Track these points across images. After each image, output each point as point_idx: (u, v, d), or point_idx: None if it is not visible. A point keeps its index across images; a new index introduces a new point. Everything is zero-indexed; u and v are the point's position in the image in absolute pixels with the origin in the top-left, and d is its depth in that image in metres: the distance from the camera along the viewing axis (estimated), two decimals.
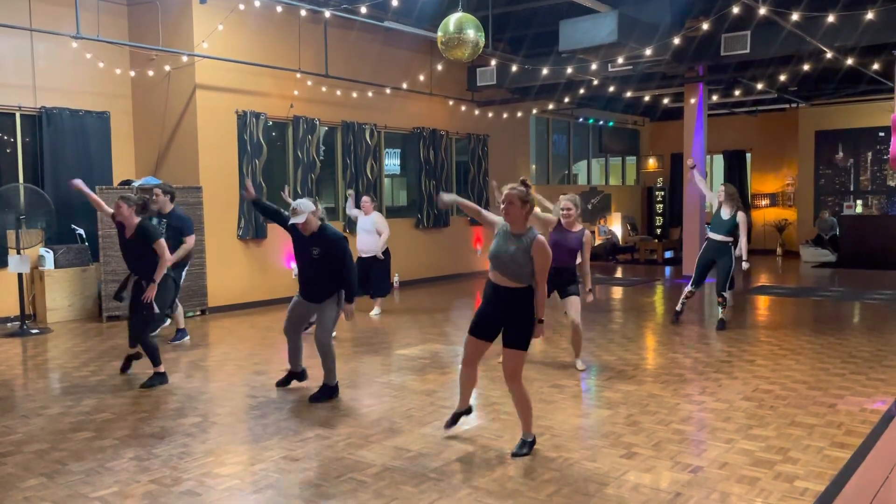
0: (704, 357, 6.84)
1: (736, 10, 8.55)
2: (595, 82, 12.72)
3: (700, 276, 8.30)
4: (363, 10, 9.10)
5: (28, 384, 6.18)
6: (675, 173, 18.61)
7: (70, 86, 9.64)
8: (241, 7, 9.76)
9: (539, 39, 12.11)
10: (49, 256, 9.13)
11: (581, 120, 17.38)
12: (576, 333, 6.40)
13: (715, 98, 15.29)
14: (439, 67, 12.15)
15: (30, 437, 4.70)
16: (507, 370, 4.25)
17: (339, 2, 9.70)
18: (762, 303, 10.28)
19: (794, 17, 8.69)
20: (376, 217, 9.23)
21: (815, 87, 14.49)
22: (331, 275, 5.43)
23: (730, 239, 8.05)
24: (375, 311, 9.51)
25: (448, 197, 4.58)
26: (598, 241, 16.87)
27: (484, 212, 4.50)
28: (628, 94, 14.26)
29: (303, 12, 9.80)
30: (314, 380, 5.86)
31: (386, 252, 9.27)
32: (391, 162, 13.12)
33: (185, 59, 9.61)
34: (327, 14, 9.59)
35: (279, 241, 10.58)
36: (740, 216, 7.97)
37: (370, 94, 11.80)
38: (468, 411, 4.67)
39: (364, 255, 9.12)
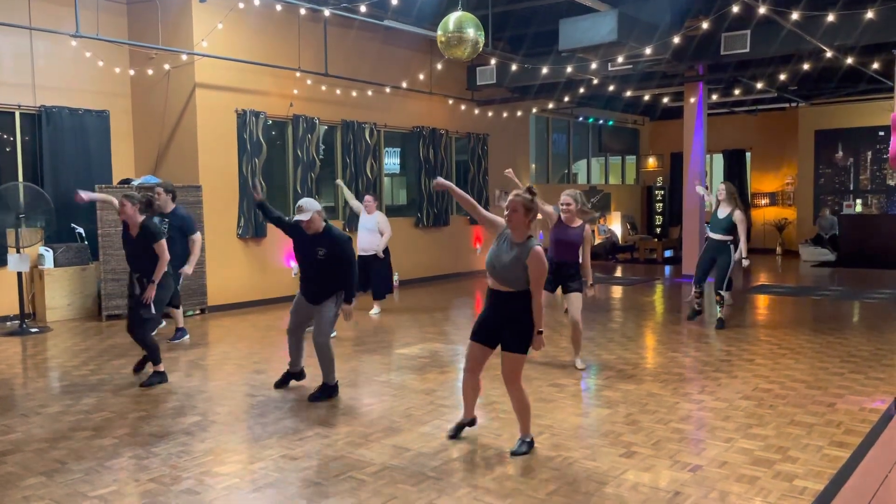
0: (704, 356, 6.84)
1: (736, 9, 8.55)
2: (595, 81, 12.72)
3: (702, 275, 8.29)
4: (363, 8, 9.10)
5: (27, 383, 6.18)
6: (675, 172, 18.61)
7: (69, 84, 9.64)
8: (241, 5, 9.76)
9: (539, 38, 12.10)
10: (49, 255, 9.13)
11: (581, 119, 17.38)
12: (575, 331, 6.39)
13: (715, 97, 15.29)
14: (439, 66, 12.15)
15: (29, 436, 4.70)
16: (506, 373, 4.26)
17: (338, 0, 9.69)
18: (762, 302, 10.28)
19: (794, 16, 8.69)
20: (379, 216, 9.23)
21: (814, 86, 14.49)
22: (332, 275, 5.41)
23: (729, 238, 8.05)
24: (375, 311, 9.51)
25: (445, 181, 4.52)
26: (598, 240, 16.87)
27: (480, 208, 4.45)
28: (628, 93, 14.25)
29: (302, 11, 9.80)
30: (313, 379, 5.86)
31: (386, 251, 9.28)
32: (391, 161, 13.11)
33: (184, 57, 9.61)
34: (327, 13, 9.58)
35: (279, 240, 10.57)
36: (737, 215, 7.97)
37: (370, 92, 11.79)
38: (472, 422, 4.62)
39: (364, 254, 9.11)
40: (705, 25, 9.20)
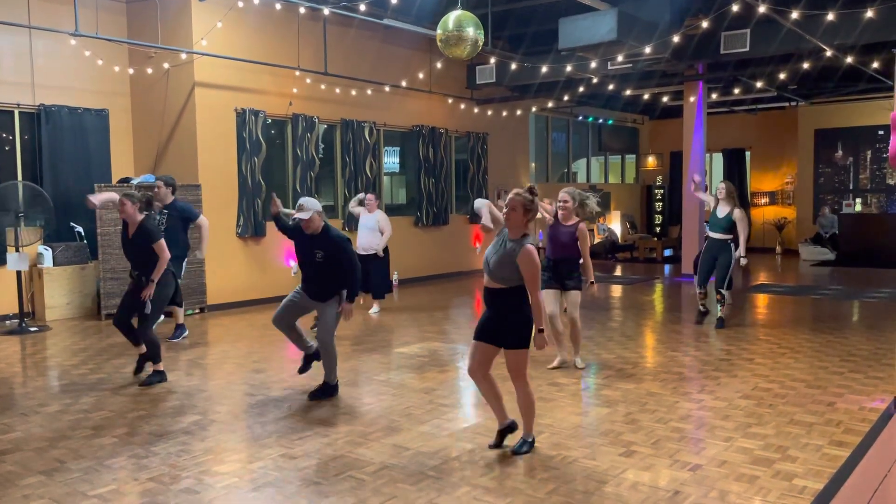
0: (703, 355, 6.84)
1: (735, 8, 8.54)
2: (594, 80, 12.72)
3: (705, 276, 8.26)
4: (362, 7, 9.09)
5: (27, 382, 6.17)
6: (675, 172, 18.61)
7: (69, 83, 9.63)
8: (241, 4, 9.75)
9: (538, 37, 12.09)
10: (48, 254, 9.12)
11: (580, 118, 17.38)
12: (574, 330, 6.38)
13: (714, 96, 15.28)
14: (439, 65, 12.14)
15: (28, 435, 4.70)
16: (510, 370, 4.25)
17: None
18: (761, 301, 10.28)
19: (794, 15, 8.68)
20: (380, 215, 9.23)
21: (814, 85, 14.48)
22: (332, 276, 5.40)
23: (729, 236, 8.05)
24: (374, 310, 9.51)
25: (480, 203, 4.48)
26: (597, 239, 16.88)
27: (497, 212, 4.42)
28: (628, 92, 14.25)
29: (302, 10, 9.79)
30: (313, 377, 5.86)
31: (385, 250, 9.28)
32: (390, 160, 13.11)
33: (183, 56, 9.60)
34: (326, 12, 9.57)
35: (278, 239, 10.57)
36: (737, 213, 7.97)
37: (369, 91, 11.79)
38: (511, 427, 4.41)
39: (364, 253, 9.11)
40: (705, 24, 9.20)
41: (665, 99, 16.09)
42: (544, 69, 11.45)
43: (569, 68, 11.33)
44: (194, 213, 7.76)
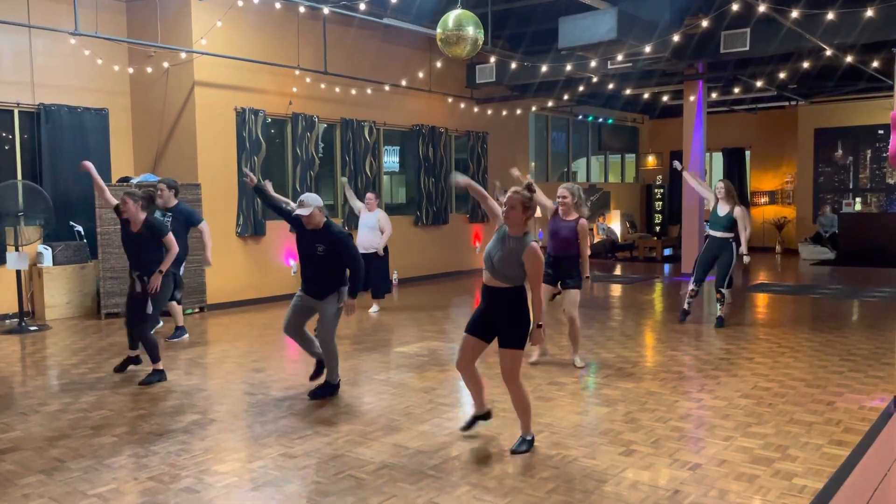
0: (703, 355, 6.84)
1: (735, 7, 8.54)
2: (594, 79, 12.72)
3: (702, 274, 8.26)
4: (362, 6, 9.08)
5: (26, 381, 6.17)
6: (674, 171, 18.56)
7: (68, 82, 9.63)
8: (240, 3, 9.75)
9: (538, 36, 12.09)
10: (47, 253, 9.12)
11: (580, 117, 17.37)
12: (573, 328, 6.37)
13: (714, 95, 15.28)
14: (438, 64, 12.14)
15: (28, 434, 4.70)
16: (504, 370, 4.25)
17: None
18: (761, 300, 10.28)
19: (794, 14, 8.68)
20: (380, 214, 9.23)
21: (814, 84, 14.48)
22: (331, 272, 5.40)
23: (730, 234, 8.04)
24: (374, 309, 9.51)
25: (462, 179, 4.49)
26: (597, 239, 16.87)
27: (491, 200, 4.40)
28: (627, 91, 14.25)
29: (301, 9, 9.79)
30: (310, 386, 5.86)
31: (385, 249, 9.28)
32: (390, 159, 13.10)
33: (183, 55, 9.59)
34: (326, 11, 9.57)
35: (278, 239, 10.57)
36: (738, 211, 7.96)
37: (369, 91, 11.78)
38: (486, 416, 4.61)
39: (364, 252, 9.11)
40: (705, 23, 9.20)
41: (665, 98, 16.09)
42: (544, 68, 11.45)
43: (569, 67, 11.33)
44: (196, 217, 7.78)
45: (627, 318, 9.01)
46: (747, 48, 10.47)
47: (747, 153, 18.86)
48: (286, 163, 10.94)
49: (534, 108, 15.54)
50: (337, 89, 11.28)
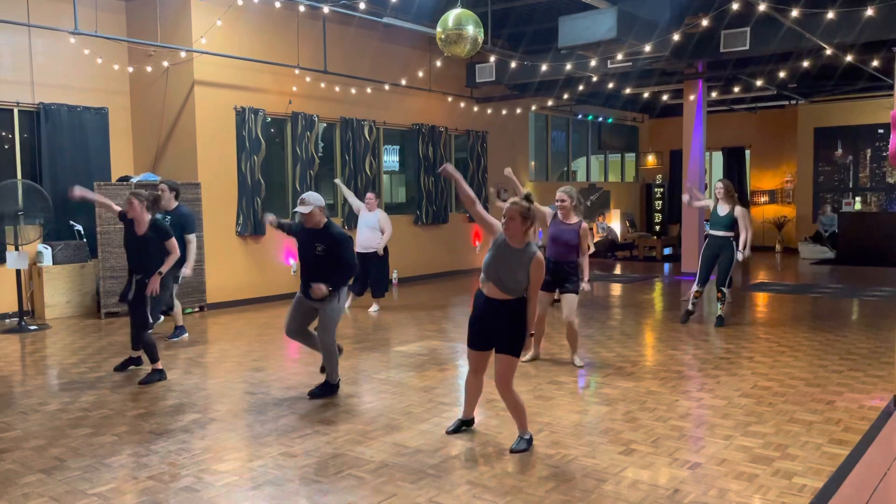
0: (703, 354, 6.84)
1: (735, 6, 8.54)
2: (594, 79, 12.71)
3: (705, 275, 8.23)
4: (362, 5, 9.08)
5: (26, 380, 6.17)
6: (674, 170, 18.61)
7: (68, 82, 9.62)
8: (240, 3, 9.74)
9: (538, 36, 12.09)
10: (47, 253, 9.12)
11: (580, 116, 17.37)
12: (570, 331, 6.37)
13: (714, 95, 15.28)
14: (438, 64, 12.13)
15: (28, 434, 4.70)
16: (499, 376, 4.26)
17: None
18: (761, 299, 10.28)
19: (794, 13, 8.68)
20: (380, 214, 9.23)
21: (814, 83, 14.49)
22: (330, 273, 5.39)
23: (731, 234, 8.03)
24: (374, 308, 9.51)
25: (452, 169, 4.38)
26: (597, 238, 16.87)
27: (479, 206, 4.27)
28: (627, 90, 14.25)
29: (301, 8, 9.78)
30: (313, 376, 5.86)
31: (385, 249, 9.27)
32: (390, 158, 13.10)
33: (183, 55, 9.59)
34: (326, 10, 9.56)
35: (277, 238, 10.57)
36: (738, 210, 7.96)
37: (369, 90, 11.78)
38: (470, 423, 4.67)
39: (364, 251, 9.11)
40: (705, 23, 9.20)
41: (665, 97, 16.09)
42: (544, 67, 11.44)
43: (568, 67, 11.32)
44: (191, 227, 7.58)
45: (627, 317, 9.01)
46: (747, 47, 10.47)
47: (747, 152, 18.86)
48: (286, 162, 10.94)
49: (533, 108, 15.53)
50: (337, 88, 11.28)
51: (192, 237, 7.55)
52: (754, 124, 18.36)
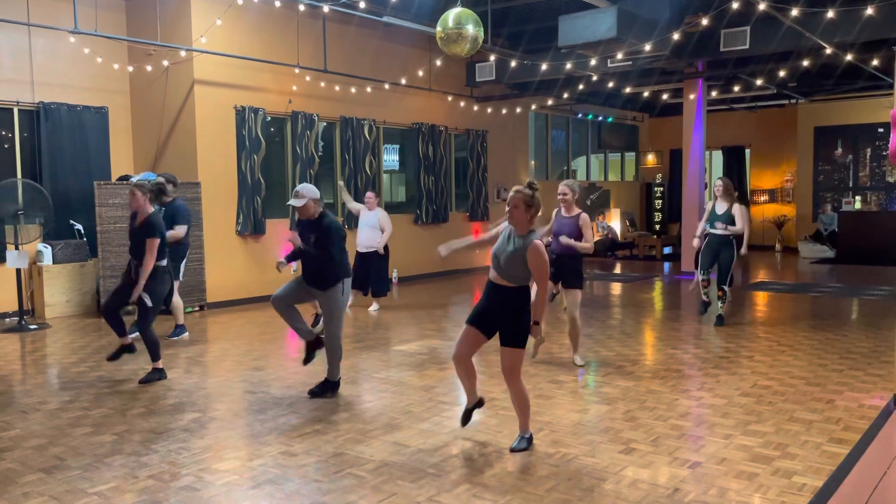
0: (703, 353, 6.84)
1: (735, 5, 8.53)
2: (594, 78, 12.71)
3: (708, 265, 8.14)
4: (362, 4, 9.08)
5: (26, 380, 6.17)
6: (674, 169, 18.61)
7: (68, 81, 9.62)
8: (240, 2, 9.74)
9: (538, 35, 12.08)
10: (47, 252, 9.12)
11: (580, 115, 17.37)
12: (573, 328, 6.36)
13: (714, 94, 15.27)
14: (438, 63, 12.13)
15: (28, 433, 4.70)
16: (505, 368, 4.25)
17: None
18: (761, 298, 10.28)
19: (794, 12, 8.68)
20: (380, 213, 9.23)
21: (814, 82, 14.48)
22: (329, 262, 5.36)
23: (729, 232, 8.00)
24: (374, 307, 9.52)
25: (445, 250, 4.56)
26: (597, 237, 16.87)
27: (485, 237, 4.41)
28: (627, 89, 14.24)
29: (301, 7, 9.78)
30: (315, 375, 5.86)
31: (385, 248, 9.27)
32: (390, 158, 13.10)
33: (183, 54, 9.59)
34: (326, 9, 9.56)
35: (278, 237, 10.57)
36: (737, 208, 7.94)
37: (369, 89, 11.78)
38: (479, 404, 4.60)
39: (365, 251, 9.12)
40: (705, 22, 9.19)
41: (665, 96, 16.09)
42: (544, 67, 11.44)
43: (568, 66, 11.32)
44: (183, 219, 7.49)
45: (627, 316, 9.01)
46: (747, 46, 10.46)
47: (747, 151, 18.86)
48: (286, 161, 10.94)
49: (533, 107, 15.53)
50: (337, 87, 11.28)
51: (181, 228, 7.43)
52: (754, 123, 18.36)
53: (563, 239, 6.17)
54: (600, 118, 18.04)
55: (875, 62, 11.12)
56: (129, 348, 6.14)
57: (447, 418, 4.90)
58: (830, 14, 8.84)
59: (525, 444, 4.29)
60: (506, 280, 4.17)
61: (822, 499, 3.58)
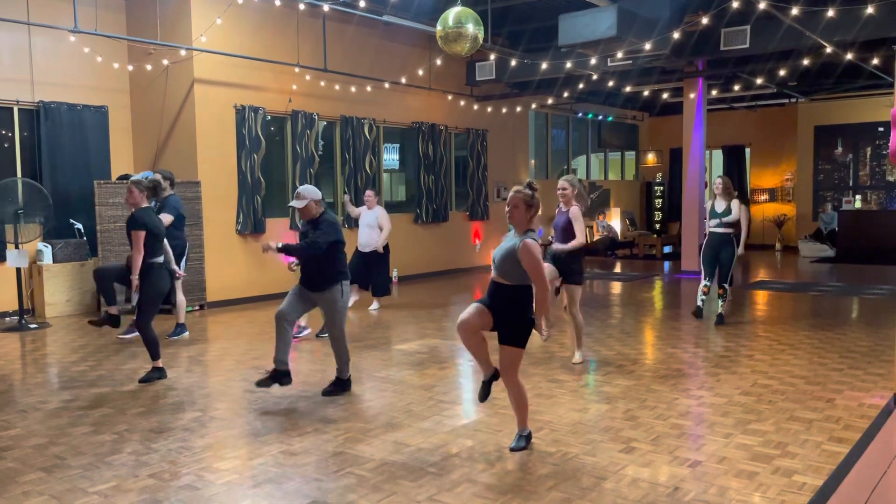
0: (703, 352, 6.84)
1: (735, 4, 8.53)
2: (594, 77, 12.71)
3: (710, 270, 8.19)
4: (362, 3, 9.08)
5: (26, 379, 6.18)
6: (674, 168, 18.60)
7: (68, 80, 9.62)
8: (240, 1, 9.74)
9: (538, 34, 12.08)
10: (47, 251, 9.12)
11: (580, 115, 17.36)
12: (575, 325, 6.36)
13: (714, 93, 15.27)
14: (438, 62, 12.12)
15: (28, 432, 4.70)
16: (503, 366, 4.25)
17: None
18: (761, 298, 10.28)
19: (794, 11, 8.68)
20: (379, 212, 9.22)
21: (814, 81, 14.48)
22: (328, 262, 5.37)
23: (730, 230, 8.01)
24: (374, 306, 9.52)
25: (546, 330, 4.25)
26: (597, 237, 16.87)
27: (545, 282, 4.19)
28: (627, 88, 14.24)
29: (301, 6, 9.78)
30: (311, 373, 5.86)
31: (386, 247, 9.26)
32: (390, 157, 13.10)
33: (183, 53, 9.59)
34: (326, 8, 9.56)
35: (278, 236, 10.57)
36: (735, 205, 7.93)
37: (369, 88, 11.78)
38: (496, 375, 4.41)
39: (365, 250, 9.11)
40: (705, 21, 9.19)
41: (665, 95, 16.08)
42: (544, 66, 11.44)
43: (568, 65, 11.32)
44: (170, 210, 7.40)
45: (627, 315, 9.02)
46: (747, 45, 10.46)
47: (747, 150, 18.86)
48: (286, 160, 10.94)
49: (533, 106, 15.52)
50: (337, 87, 11.28)
51: (165, 217, 7.22)
52: (754, 122, 18.36)
53: (556, 246, 6.19)
54: (600, 117, 18.04)
55: (875, 61, 11.11)
56: (114, 319, 6.00)
57: (447, 417, 4.90)
58: (831, 13, 8.83)
59: (524, 442, 4.29)
60: (503, 278, 4.17)
61: (822, 498, 3.58)
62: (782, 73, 12.47)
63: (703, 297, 8.33)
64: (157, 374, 5.97)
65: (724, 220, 7.92)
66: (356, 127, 11.62)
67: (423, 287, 11.86)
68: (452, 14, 7.21)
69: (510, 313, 4.17)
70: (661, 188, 18.35)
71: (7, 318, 8.81)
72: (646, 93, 15.37)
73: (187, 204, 9.18)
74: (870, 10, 8.75)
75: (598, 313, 9.04)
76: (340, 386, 5.52)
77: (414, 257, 12.76)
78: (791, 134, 17.89)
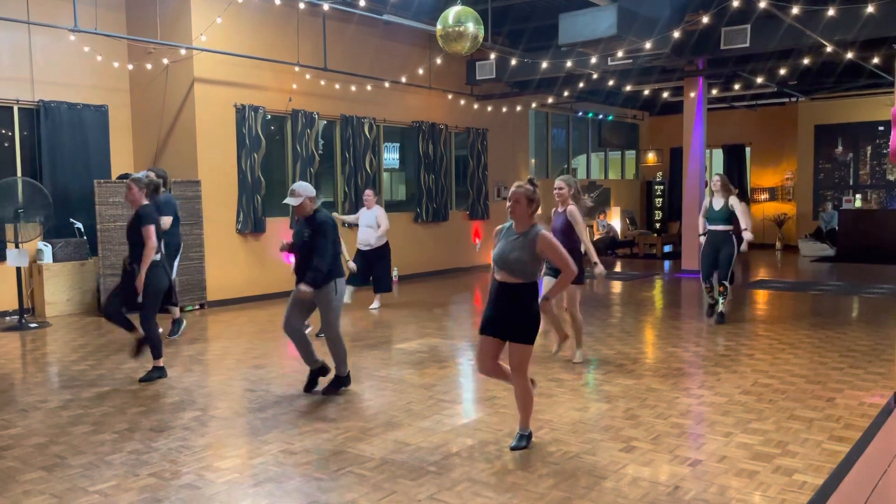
0: (703, 351, 6.84)
1: (736, 3, 8.52)
2: (594, 76, 12.70)
3: (708, 270, 8.19)
4: (362, 3, 9.07)
5: (27, 378, 6.18)
6: (675, 167, 18.59)
7: (68, 79, 9.62)
8: (240, 0, 9.74)
9: (538, 33, 12.07)
10: (47, 250, 9.12)
11: (580, 114, 17.36)
12: (574, 325, 6.37)
13: (714, 92, 15.25)
14: (438, 61, 12.12)
15: (29, 431, 4.70)
16: (513, 364, 4.25)
17: None
18: (761, 297, 10.28)
19: (795, 10, 8.67)
20: (378, 210, 9.22)
21: (814, 80, 14.47)
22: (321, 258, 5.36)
23: (729, 227, 7.98)
24: (375, 305, 9.52)
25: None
26: (597, 236, 16.87)
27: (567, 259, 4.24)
28: (628, 87, 14.23)
29: (301, 5, 9.77)
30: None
31: (387, 244, 9.24)
32: (390, 156, 13.09)
33: (183, 52, 9.58)
34: (326, 7, 9.55)
35: (278, 235, 10.56)
36: (733, 200, 7.91)
37: (369, 87, 11.77)
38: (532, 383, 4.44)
39: (365, 249, 9.11)
40: (705, 20, 9.19)
41: (665, 94, 16.08)
42: (544, 65, 11.43)
43: (569, 64, 11.31)
44: (168, 211, 7.36)
45: (627, 314, 9.01)
46: (748, 44, 10.45)
47: (747, 150, 18.85)
48: (286, 159, 10.94)
49: (534, 105, 15.52)
50: (337, 86, 11.27)
51: (165, 219, 7.27)
52: (755, 121, 18.35)
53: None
54: (601, 116, 18.04)
55: (875, 60, 11.11)
56: (145, 341, 6.02)
57: (448, 416, 4.90)
58: (831, 12, 8.83)
59: (525, 442, 4.29)
60: (516, 278, 4.16)
61: (822, 497, 3.58)
62: (783, 72, 12.46)
63: (711, 294, 8.27)
64: (158, 373, 5.97)
65: (736, 226, 7.93)
66: (356, 126, 11.62)
67: (423, 286, 11.87)
68: (452, 13, 7.21)
69: (518, 311, 4.17)
70: (662, 187, 18.35)
71: (7, 318, 8.81)
72: (646, 92, 15.36)
73: (187, 203, 9.20)
74: (870, 9, 8.74)
75: (599, 313, 9.04)
76: (339, 382, 5.52)
77: (414, 256, 12.76)
78: (791, 133, 17.89)
